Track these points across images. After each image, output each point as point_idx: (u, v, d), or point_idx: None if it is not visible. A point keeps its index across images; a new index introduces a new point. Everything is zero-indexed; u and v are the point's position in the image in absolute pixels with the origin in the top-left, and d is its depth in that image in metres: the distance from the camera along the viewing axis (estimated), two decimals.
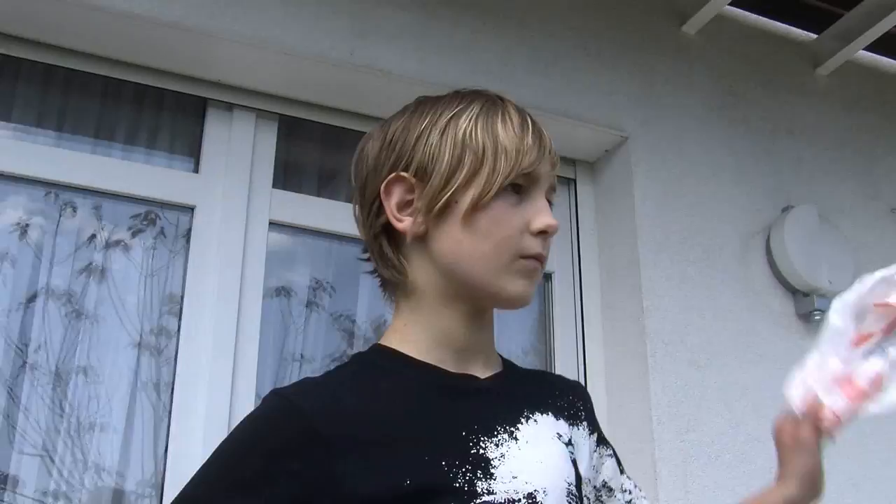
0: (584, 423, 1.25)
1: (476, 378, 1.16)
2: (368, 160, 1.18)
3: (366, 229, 1.18)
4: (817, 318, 2.91)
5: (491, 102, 1.15)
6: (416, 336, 1.15)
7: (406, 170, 1.13)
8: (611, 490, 1.25)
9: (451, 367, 1.14)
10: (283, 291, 2.59)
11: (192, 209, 2.49)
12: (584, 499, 1.18)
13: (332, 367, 1.20)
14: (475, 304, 1.15)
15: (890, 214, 3.34)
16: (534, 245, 1.12)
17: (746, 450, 2.67)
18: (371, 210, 1.16)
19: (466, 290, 1.13)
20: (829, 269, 2.93)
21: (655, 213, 2.81)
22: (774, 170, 3.11)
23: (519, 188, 1.12)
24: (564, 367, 2.72)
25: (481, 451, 1.06)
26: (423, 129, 1.13)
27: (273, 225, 2.57)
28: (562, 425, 1.19)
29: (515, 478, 1.06)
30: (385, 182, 1.14)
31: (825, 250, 2.96)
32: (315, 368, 2.55)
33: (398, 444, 1.04)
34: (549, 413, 1.18)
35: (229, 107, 2.60)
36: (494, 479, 1.05)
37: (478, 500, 1.02)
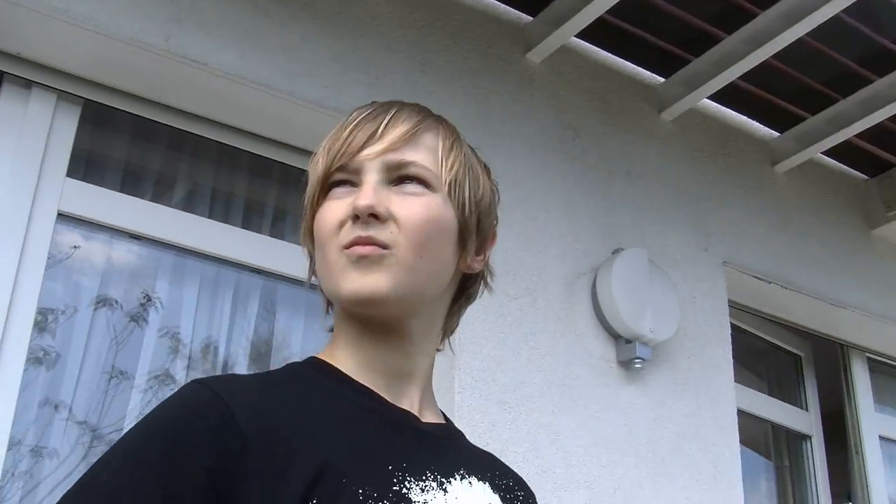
0: None
1: (416, 418, 1.10)
2: None
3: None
4: (637, 366, 2.90)
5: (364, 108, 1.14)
6: (342, 352, 1.11)
7: None
8: None
9: (384, 394, 1.09)
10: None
11: None
12: None
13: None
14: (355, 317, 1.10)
15: (720, 267, 3.38)
16: (347, 234, 1.05)
17: (549, 499, 2.62)
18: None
19: (332, 299, 1.12)
20: (654, 317, 2.93)
21: None
22: (608, 210, 3.10)
23: (344, 181, 1.08)
24: None
25: (404, 491, 0.99)
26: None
27: (63, 217, 2.40)
28: (496, 500, 1.12)
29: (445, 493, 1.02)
30: None
31: (652, 297, 2.96)
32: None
33: (316, 459, 0.95)
34: (487, 483, 1.12)
35: (28, 84, 2.43)
36: None
37: None
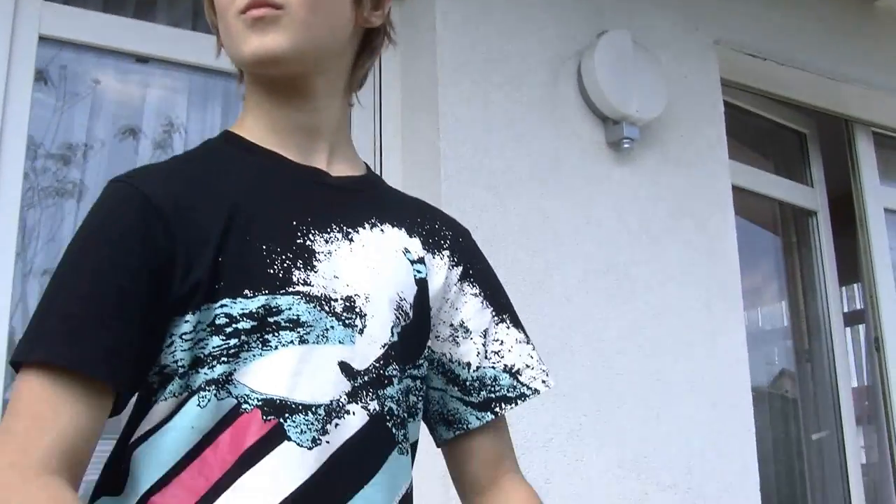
0: (446, 254, 1.22)
1: (324, 173, 1.15)
2: None
3: None
4: (626, 146, 2.96)
5: None
6: (251, 121, 1.15)
7: None
8: (468, 331, 1.22)
9: (295, 156, 1.13)
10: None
11: None
12: (434, 328, 1.18)
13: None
14: (260, 78, 1.14)
15: (711, 47, 3.37)
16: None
17: (543, 279, 2.73)
18: None
19: (235, 64, 1.15)
20: (640, 97, 2.96)
21: (458, 32, 2.76)
22: None
23: None
24: None
25: (308, 244, 1.06)
26: None
27: (44, 40, 2.45)
28: (414, 243, 1.18)
29: (337, 277, 1.07)
30: None
31: (637, 78, 2.98)
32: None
33: (222, 223, 1.03)
34: (403, 229, 1.17)
35: None
36: (315, 272, 1.05)
37: (290, 289, 1.02)
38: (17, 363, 0.97)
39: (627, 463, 2.78)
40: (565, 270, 2.79)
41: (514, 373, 1.22)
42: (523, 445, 2.56)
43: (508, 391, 1.21)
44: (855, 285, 4.72)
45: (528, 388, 1.22)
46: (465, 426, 1.22)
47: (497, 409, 1.21)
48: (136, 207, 1.01)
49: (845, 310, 4.68)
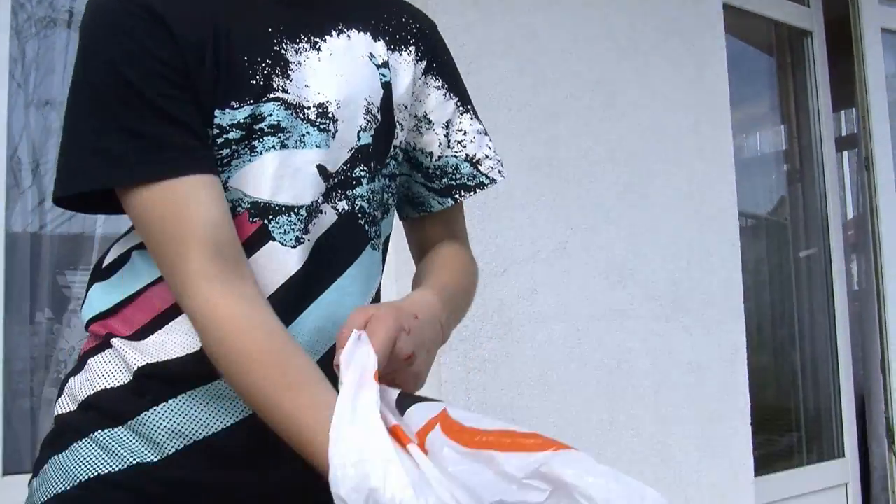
0: (412, 49, 1.25)
1: None
2: None
3: None
4: None
5: None
6: None
7: None
8: (430, 122, 1.27)
9: None
10: None
11: None
12: (399, 124, 1.22)
13: None
14: None
15: None
16: None
17: (530, 97, 2.77)
18: None
19: None
20: None
21: None
22: None
23: None
24: None
25: (282, 52, 1.10)
26: None
27: None
28: (379, 47, 1.21)
29: (308, 86, 1.11)
30: None
31: None
32: None
33: (213, 36, 1.07)
34: (367, 33, 1.20)
35: None
36: (290, 80, 1.09)
37: (271, 95, 1.07)
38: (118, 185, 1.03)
39: (613, 275, 2.89)
40: (553, 88, 2.83)
41: (474, 162, 1.29)
42: (510, 257, 2.66)
43: (468, 179, 1.28)
44: (844, 112, 4.74)
45: (487, 177, 1.29)
46: (428, 209, 1.30)
47: (457, 196, 1.29)
48: (137, 12, 1.04)
49: (840, 134, 4.72)
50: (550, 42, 2.84)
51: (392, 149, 1.22)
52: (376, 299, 1.21)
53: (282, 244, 1.08)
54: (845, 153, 4.87)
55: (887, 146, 4.12)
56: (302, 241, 1.10)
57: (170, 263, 1.02)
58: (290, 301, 1.09)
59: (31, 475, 1.14)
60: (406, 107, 1.24)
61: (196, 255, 1.00)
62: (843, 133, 4.86)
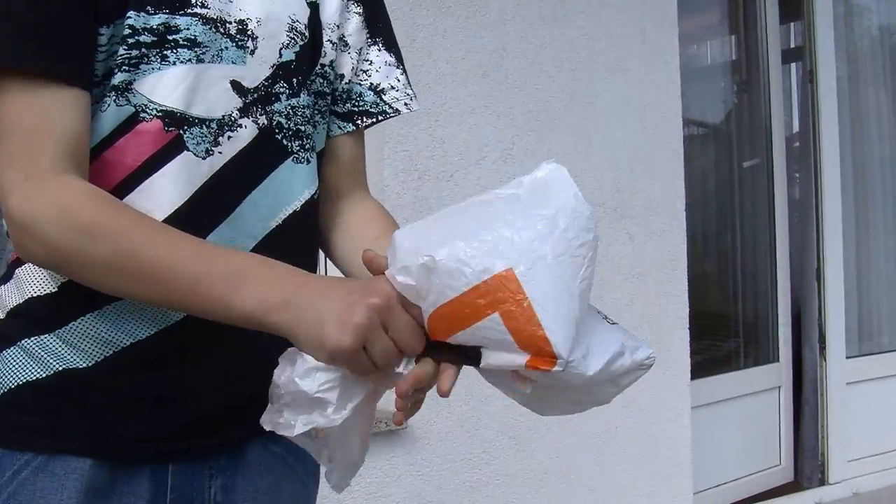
0: None
1: None
2: None
3: None
4: None
5: None
6: None
7: None
8: (347, 45, 1.29)
9: None
10: None
11: None
12: (329, 43, 1.25)
13: None
14: None
15: None
16: None
17: (479, 3, 2.80)
18: None
19: None
20: None
21: None
22: None
23: None
24: None
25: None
26: None
27: None
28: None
29: (231, 2, 1.13)
30: None
31: None
32: None
33: None
34: None
35: None
36: None
37: (188, 10, 1.09)
38: None
39: None
40: None
41: (378, 91, 1.32)
42: (457, 163, 2.72)
43: (371, 107, 1.32)
44: (793, 24, 4.79)
45: (391, 107, 1.33)
46: (329, 133, 1.33)
47: (358, 122, 1.32)
48: None
49: (787, 46, 4.79)
50: None
51: (320, 66, 1.25)
52: (308, 209, 1.23)
53: (194, 154, 1.11)
54: (792, 65, 4.94)
55: (831, 60, 4.21)
56: (212, 153, 1.12)
57: (15, 151, 1.02)
58: (202, 212, 1.12)
59: None
60: (337, 26, 1.27)
61: (52, 150, 1.01)
62: (791, 45, 4.92)
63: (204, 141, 1.11)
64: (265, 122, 1.16)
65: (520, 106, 2.87)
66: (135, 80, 1.08)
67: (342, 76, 1.31)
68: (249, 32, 1.15)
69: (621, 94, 3.13)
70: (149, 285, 1.02)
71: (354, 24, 1.31)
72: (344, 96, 1.32)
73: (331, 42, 1.26)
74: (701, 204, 4.15)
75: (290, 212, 1.20)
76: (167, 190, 1.09)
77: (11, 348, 1.12)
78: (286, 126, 1.19)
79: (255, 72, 1.16)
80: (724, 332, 4.34)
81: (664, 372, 3.25)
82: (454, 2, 2.73)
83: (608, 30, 3.10)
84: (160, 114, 1.09)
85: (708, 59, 4.70)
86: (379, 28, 1.35)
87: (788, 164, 4.35)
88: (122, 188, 1.08)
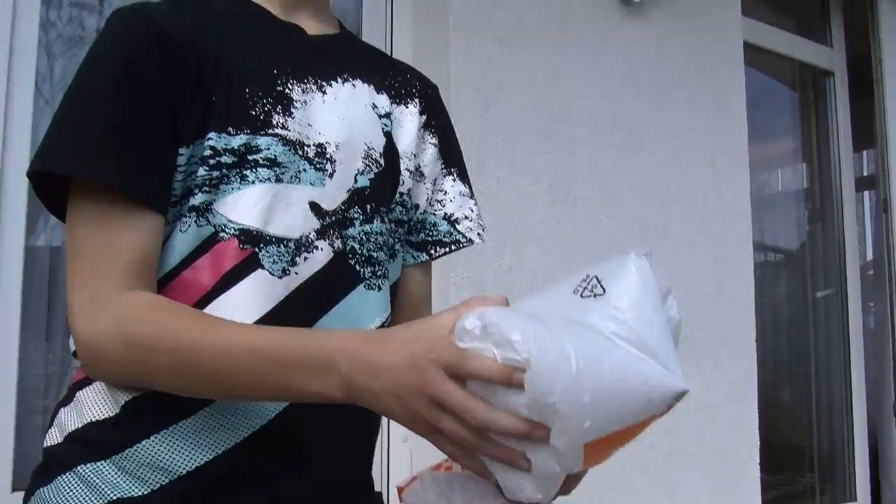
0: (415, 104, 1.32)
1: (302, 30, 1.24)
2: None
3: None
4: (637, 0, 3.00)
5: None
6: None
7: None
8: (422, 176, 1.33)
9: (277, 13, 1.23)
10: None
11: None
12: (406, 172, 1.28)
13: None
14: None
15: None
16: None
17: (548, 129, 2.82)
18: None
19: None
20: None
21: None
22: None
23: None
24: (369, 40, 2.78)
25: (286, 91, 1.16)
26: None
27: None
28: (382, 99, 1.27)
29: (311, 125, 1.16)
30: None
31: None
32: None
33: (216, 62, 1.12)
34: (372, 85, 1.27)
35: None
36: (292, 118, 1.15)
37: (269, 131, 1.13)
38: (44, 175, 1.08)
39: None
40: (572, 123, 2.88)
41: (452, 220, 1.35)
42: (525, 290, 2.70)
43: (444, 237, 1.35)
44: (865, 152, 4.77)
45: (464, 237, 1.35)
46: (402, 262, 1.34)
47: (431, 251, 1.35)
48: (150, 31, 1.10)
49: (861, 174, 4.75)
50: (571, 78, 2.89)
51: (399, 195, 1.27)
52: None
53: (269, 273, 1.11)
54: (865, 193, 4.89)
55: None
56: (288, 272, 1.13)
57: (83, 272, 1.05)
58: None
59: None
60: (413, 155, 1.30)
61: (118, 273, 1.04)
62: (864, 173, 4.88)
63: (281, 260, 1.12)
64: (340, 245, 1.18)
65: (588, 234, 2.86)
66: (215, 200, 1.11)
67: (417, 206, 1.33)
68: (328, 156, 1.17)
69: (692, 223, 3.11)
70: (212, 385, 1.03)
71: (430, 154, 1.34)
72: (418, 226, 1.34)
73: (408, 171, 1.29)
74: (773, 334, 4.07)
75: None
76: (240, 307, 1.10)
77: (67, 474, 1.11)
78: (359, 251, 1.20)
79: (332, 195, 1.18)
80: (799, 466, 4.21)
81: None
82: (523, 128, 2.76)
83: (679, 158, 3.10)
84: (237, 232, 1.11)
85: (780, 186, 4.67)
86: (453, 158, 1.38)
87: (863, 294, 4.26)
88: (198, 307, 1.09)
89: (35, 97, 2.36)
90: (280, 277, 1.12)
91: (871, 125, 4.18)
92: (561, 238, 2.81)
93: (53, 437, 1.15)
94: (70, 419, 1.14)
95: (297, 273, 1.14)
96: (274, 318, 1.11)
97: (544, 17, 2.86)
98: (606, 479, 2.80)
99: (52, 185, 1.10)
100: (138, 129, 1.06)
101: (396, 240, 1.29)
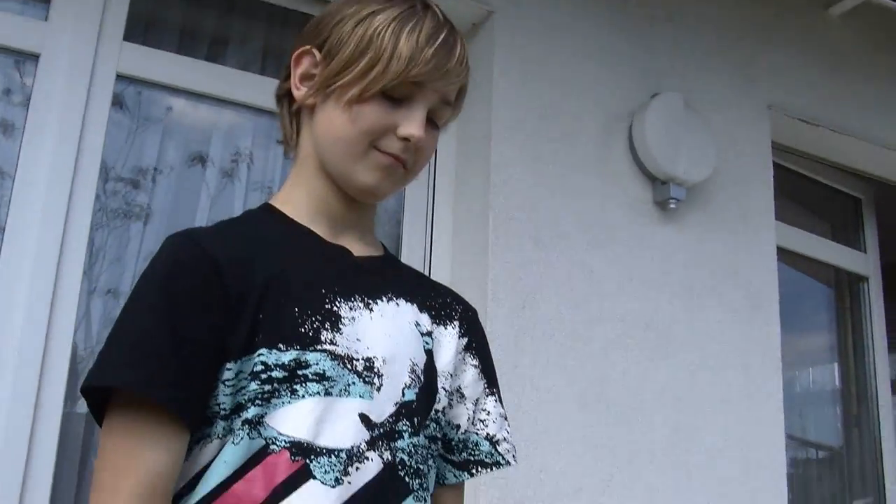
0: (455, 326, 1.40)
1: (349, 252, 1.32)
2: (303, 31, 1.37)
3: (277, 89, 1.38)
4: (672, 206, 3.08)
5: (412, 9, 1.29)
6: (297, 199, 1.33)
7: (319, 48, 1.30)
8: (463, 397, 1.40)
9: (325, 235, 1.31)
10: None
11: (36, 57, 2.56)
12: (443, 389, 1.33)
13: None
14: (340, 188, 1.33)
15: (766, 111, 3.49)
16: (393, 145, 1.28)
17: (581, 331, 2.85)
18: (284, 73, 1.35)
19: (329, 168, 1.31)
20: (689, 158, 3.08)
21: (515, 88, 2.92)
22: (647, 55, 3.23)
23: (403, 94, 1.26)
24: (410, 239, 2.86)
25: (335, 309, 1.23)
26: (346, 16, 1.28)
27: (121, 78, 2.65)
28: (424, 318, 1.34)
29: (359, 340, 1.23)
30: (298, 52, 1.32)
31: (687, 139, 3.11)
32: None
33: (264, 282, 1.20)
34: (415, 304, 1.35)
35: None
36: (340, 334, 1.21)
37: (318, 346, 1.19)
38: (91, 389, 1.14)
39: None
40: (606, 325, 2.91)
41: (494, 441, 1.40)
42: (553, 493, 2.68)
43: (486, 457, 1.40)
44: None
45: (503, 458, 1.40)
46: (441, 480, 1.39)
47: (474, 471, 1.40)
48: (199, 260, 1.18)
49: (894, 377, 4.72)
50: (605, 280, 2.94)
51: (434, 412, 1.31)
52: None
53: (322, 483, 1.15)
54: None
55: None
56: (341, 482, 1.16)
57: (102, 480, 1.12)
58: None
59: None
60: (450, 375, 1.35)
61: (131, 489, 1.09)
62: None
63: (333, 470, 1.16)
64: (389, 457, 1.21)
65: (620, 437, 2.85)
66: (266, 413, 1.16)
67: (458, 426, 1.38)
68: (376, 370, 1.23)
69: (723, 429, 3.10)
70: None
71: (471, 375, 1.40)
72: (460, 445, 1.38)
73: (444, 389, 1.33)
74: None
75: None
76: None
77: None
78: (408, 464, 1.24)
79: (381, 408, 1.22)
80: None
81: None
82: (558, 330, 2.80)
83: (711, 364, 3.11)
84: (288, 444, 1.15)
85: (812, 388, 4.64)
86: (494, 380, 1.44)
87: None
88: None
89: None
90: (333, 487, 1.15)
91: None
92: (593, 441, 2.80)
93: None
94: None
95: (349, 483, 1.17)
96: None
97: (582, 221, 2.94)
98: None
99: (101, 400, 1.16)
100: (179, 349, 1.13)
101: (431, 456, 1.32)
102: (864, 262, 4.26)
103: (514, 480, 2.61)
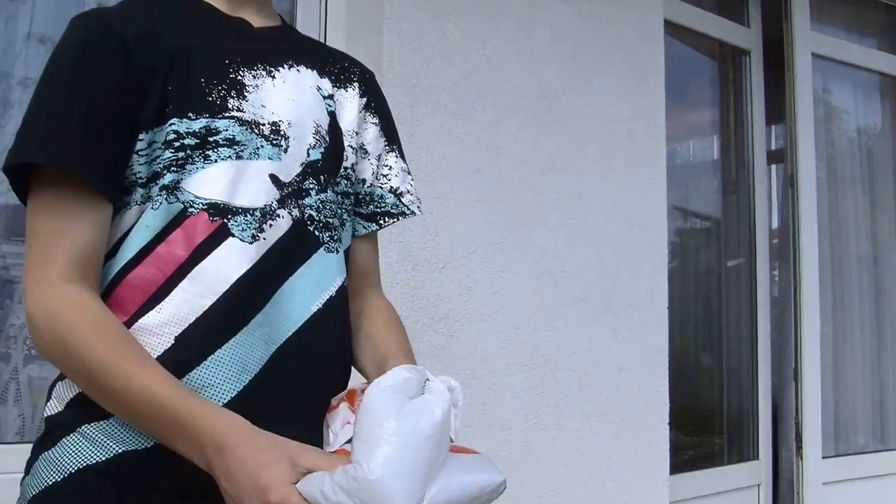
0: (355, 87, 1.47)
1: (249, 24, 1.38)
2: None
3: None
4: None
5: None
6: None
7: None
8: (366, 153, 1.48)
9: (225, 10, 1.38)
10: None
11: None
12: (350, 148, 1.43)
13: None
14: None
15: None
16: None
17: (475, 101, 2.93)
18: None
19: None
20: None
21: None
22: None
23: None
24: (305, 14, 2.86)
25: (239, 78, 1.29)
26: None
27: None
28: (325, 83, 1.42)
29: (264, 107, 1.31)
30: None
31: None
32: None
33: (169, 55, 1.25)
34: (314, 70, 1.42)
35: None
36: (246, 101, 1.28)
37: (226, 114, 1.26)
38: (13, 167, 1.19)
39: (545, 276, 3.07)
40: (497, 94, 3.00)
41: (397, 194, 1.51)
42: (449, 254, 2.82)
43: (392, 208, 1.51)
44: (775, 127, 4.97)
45: (408, 208, 1.52)
46: (355, 233, 1.50)
47: (381, 222, 1.51)
48: (106, 37, 1.22)
49: (770, 148, 4.95)
50: (498, 50, 3.00)
51: (343, 169, 1.42)
52: (341, 294, 1.37)
53: (240, 240, 1.24)
54: (773, 166, 5.09)
55: (811, 164, 4.36)
56: (258, 238, 1.26)
57: (33, 257, 1.18)
58: (247, 293, 1.24)
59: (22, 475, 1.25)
60: (354, 133, 1.45)
61: (62, 260, 1.16)
62: (774, 147, 5.09)
63: (249, 227, 1.25)
64: (298, 214, 1.31)
65: (511, 202, 2.99)
66: (182, 179, 1.23)
67: (364, 180, 1.48)
68: (282, 133, 1.31)
69: (608, 194, 3.26)
70: (115, 409, 1.16)
71: (372, 133, 1.49)
72: (367, 199, 1.49)
73: (351, 147, 1.43)
74: (685, 301, 4.25)
75: (328, 297, 1.34)
76: (217, 273, 1.22)
77: (71, 435, 1.20)
78: (317, 219, 1.34)
79: (288, 168, 1.31)
80: (706, 428, 4.41)
81: (644, 466, 3.32)
82: (452, 99, 2.87)
83: (598, 131, 3.24)
84: (205, 206, 1.23)
85: (696, 156, 4.84)
86: (394, 137, 1.54)
87: (770, 263, 4.46)
88: (175, 277, 1.21)
89: None
90: (251, 243, 1.25)
91: (783, 100, 4.38)
92: (486, 205, 2.93)
93: (53, 407, 1.25)
94: (67, 389, 1.24)
95: (265, 239, 1.26)
96: (248, 280, 1.24)
97: None
98: (523, 434, 2.95)
99: (23, 179, 1.22)
100: (94, 124, 1.18)
101: (344, 210, 1.42)
102: (747, 36, 4.38)
103: (410, 244, 2.74)
